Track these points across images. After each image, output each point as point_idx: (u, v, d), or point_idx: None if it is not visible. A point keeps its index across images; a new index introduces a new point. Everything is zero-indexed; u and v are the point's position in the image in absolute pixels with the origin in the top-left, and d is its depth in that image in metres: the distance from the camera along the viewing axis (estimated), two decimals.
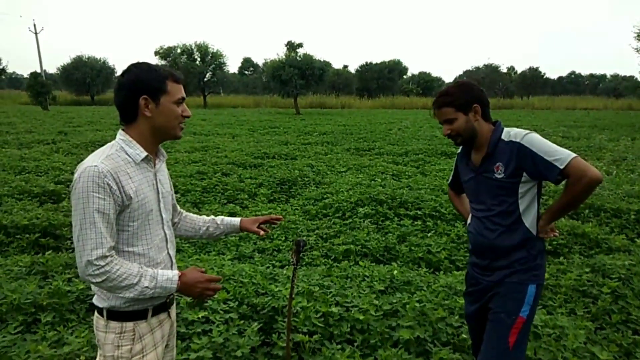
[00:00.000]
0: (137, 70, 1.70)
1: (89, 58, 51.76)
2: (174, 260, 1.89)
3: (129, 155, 1.70)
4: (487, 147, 2.17)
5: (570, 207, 2.09)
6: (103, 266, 1.58)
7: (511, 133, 2.12)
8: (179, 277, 1.72)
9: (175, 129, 1.78)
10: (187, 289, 1.74)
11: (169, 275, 1.71)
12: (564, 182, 2.05)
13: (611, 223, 5.88)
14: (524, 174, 2.07)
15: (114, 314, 1.71)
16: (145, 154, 1.73)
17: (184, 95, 1.78)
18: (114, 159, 1.66)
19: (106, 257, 1.59)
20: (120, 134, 1.74)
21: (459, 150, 2.42)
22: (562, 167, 1.95)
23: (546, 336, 3.02)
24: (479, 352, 2.34)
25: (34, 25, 42.53)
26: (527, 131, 2.09)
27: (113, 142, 1.74)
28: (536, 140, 2.04)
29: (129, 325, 1.72)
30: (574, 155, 1.96)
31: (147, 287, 1.65)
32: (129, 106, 1.71)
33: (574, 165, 1.94)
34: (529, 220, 2.13)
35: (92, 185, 1.58)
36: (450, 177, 2.59)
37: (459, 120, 2.17)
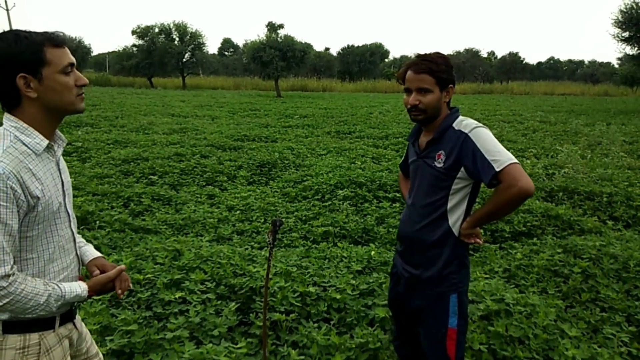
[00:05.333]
0: (3, 43, 1.37)
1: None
2: (81, 262, 1.69)
3: (27, 146, 1.41)
4: (435, 131, 2.02)
5: (495, 215, 1.96)
6: (5, 287, 1.33)
7: (463, 122, 1.97)
8: (87, 290, 1.55)
9: (74, 102, 1.48)
10: (98, 293, 1.61)
11: (78, 292, 1.50)
12: None
13: (584, 205, 6.02)
14: (462, 169, 1.93)
15: (12, 326, 1.41)
16: (46, 142, 1.45)
17: (72, 59, 1.47)
18: (12, 153, 1.36)
19: (8, 276, 1.34)
20: (10, 120, 1.43)
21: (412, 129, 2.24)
22: (497, 169, 1.81)
23: (517, 314, 3.09)
24: (399, 339, 2.34)
25: (5, 2, 41.05)
26: (479, 124, 1.95)
27: (1, 130, 1.42)
28: (483, 136, 1.90)
29: (34, 337, 1.44)
30: (515, 161, 1.82)
31: (55, 306, 1.44)
32: (5, 90, 1.40)
33: (509, 171, 1.80)
34: (453, 220, 2.00)
35: None
36: (403, 157, 2.43)
37: (434, 95, 1.97)
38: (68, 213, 1.56)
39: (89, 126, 12.66)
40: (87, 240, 1.83)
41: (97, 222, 4.92)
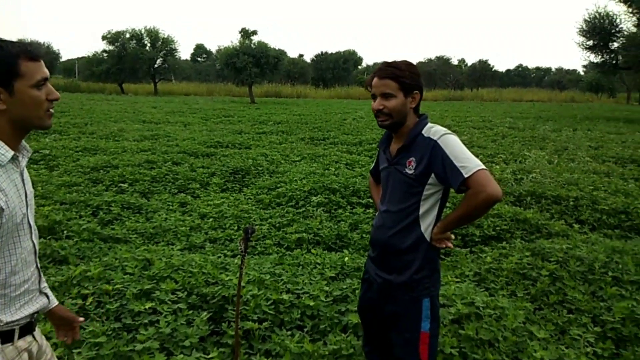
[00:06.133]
0: None
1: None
2: (42, 275, 1.64)
3: None
4: (405, 138, 2.06)
5: (464, 220, 2.01)
6: None
7: (432, 130, 2.01)
8: None
9: (42, 118, 1.45)
10: None
11: None
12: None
13: (551, 209, 6.17)
14: (433, 175, 1.97)
15: None
16: (11, 153, 1.41)
17: (46, 74, 1.45)
18: None
19: None
20: None
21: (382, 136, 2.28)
22: (466, 176, 1.86)
23: (487, 317, 3.15)
24: (369, 345, 2.34)
25: None
26: (447, 131, 1.99)
27: None
28: (451, 143, 1.94)
29: None
30: (482, 167, 1.87)
31: None
32: None
33: (477, 177, 1.85)
34: (425, 225, 2.04)
35: None
36: (373, 164, 2.46)
37: (397, 99, 2.01)
38: (30, 225, 1.53)
39: (57, 133, 12.36)
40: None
41: (65, 231, 4.79)
